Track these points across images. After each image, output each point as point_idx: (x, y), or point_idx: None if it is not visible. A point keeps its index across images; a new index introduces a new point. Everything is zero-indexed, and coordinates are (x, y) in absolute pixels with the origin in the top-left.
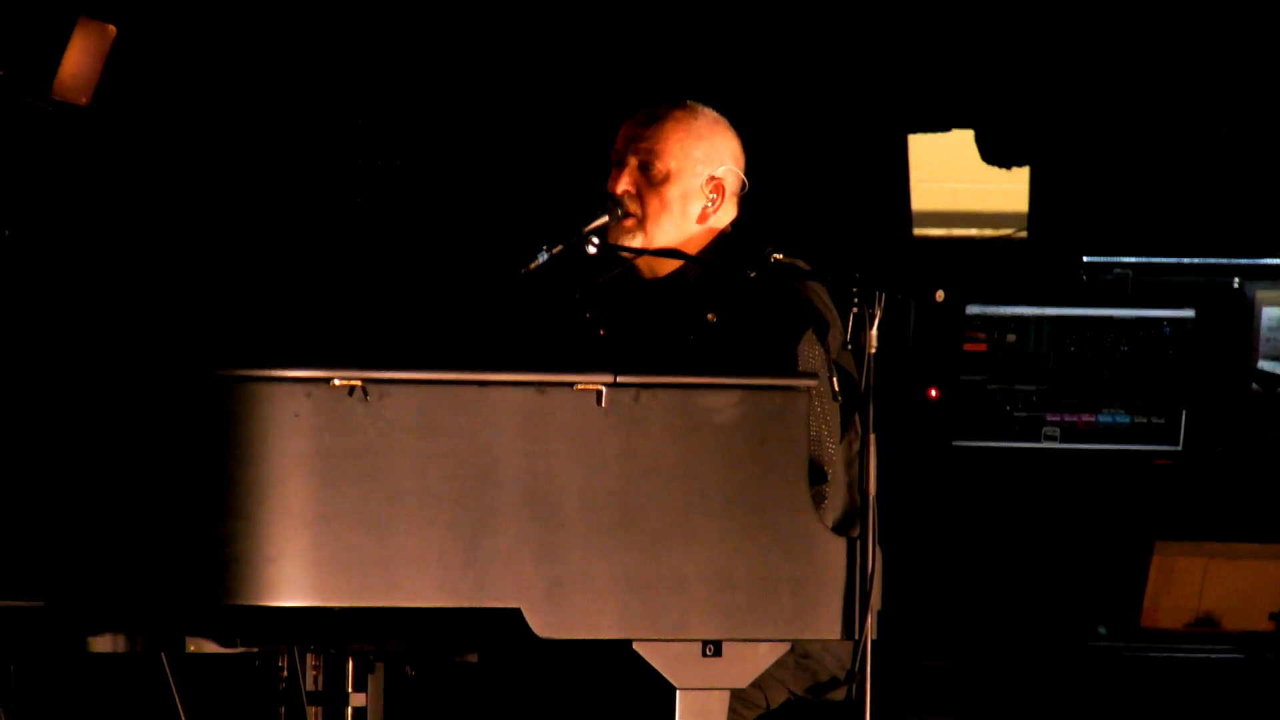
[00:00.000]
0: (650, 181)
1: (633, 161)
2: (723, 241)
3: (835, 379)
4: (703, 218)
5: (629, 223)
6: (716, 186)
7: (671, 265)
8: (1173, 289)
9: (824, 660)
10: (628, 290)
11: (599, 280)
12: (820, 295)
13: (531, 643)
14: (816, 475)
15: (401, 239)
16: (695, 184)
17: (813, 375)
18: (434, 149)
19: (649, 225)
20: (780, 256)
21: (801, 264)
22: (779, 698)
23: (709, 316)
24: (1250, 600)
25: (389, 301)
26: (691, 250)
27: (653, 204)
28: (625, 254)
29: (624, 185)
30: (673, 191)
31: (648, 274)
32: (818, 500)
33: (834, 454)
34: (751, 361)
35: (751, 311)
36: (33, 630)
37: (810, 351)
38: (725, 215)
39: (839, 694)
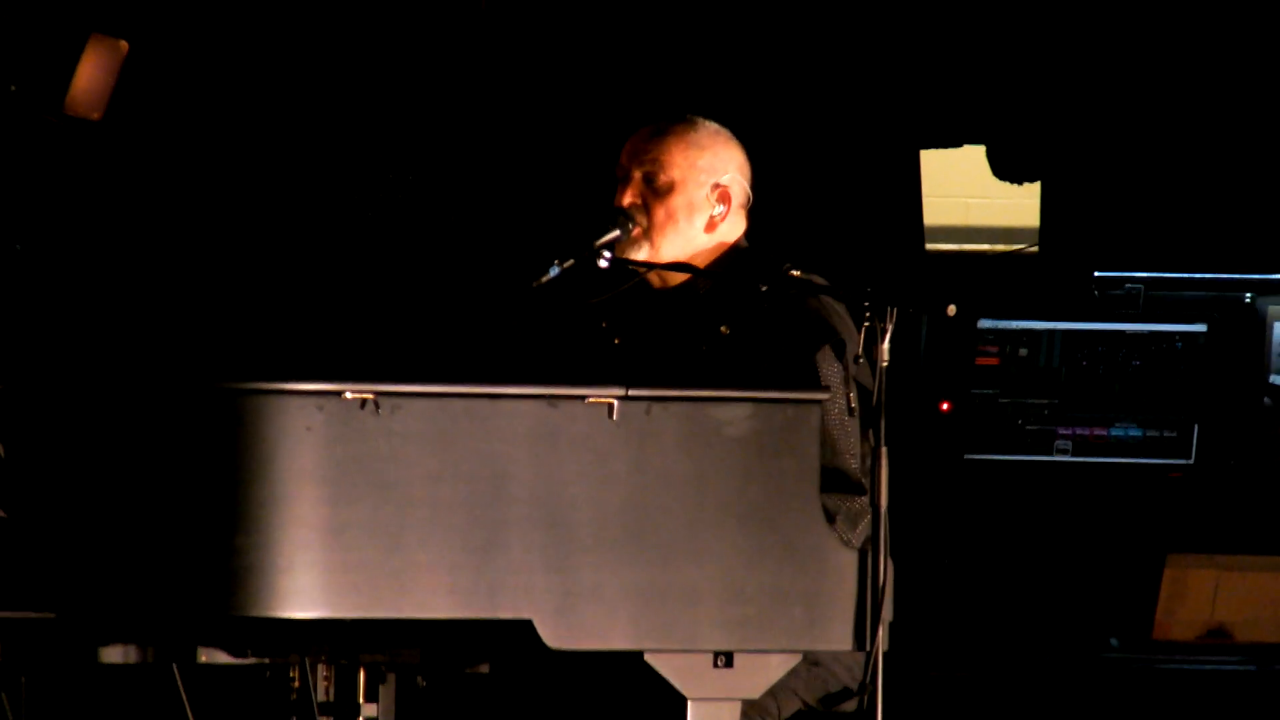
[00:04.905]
0: (655, 192)
1: (637, 175)
2: (736, 255)
3: (853, 395)
4: (710, 227)
5: (635, 233)
6: (722, 195)
7: (682, 276)
8: (1185, 303)
9: (834, 669)
10: (640, 301)
11: (610, 294)
12: (837, 311)
13: (543, 654)
14: (854, 488)
15: (413, 253)
16: (700, 193)
17: (824, 388)
18: (445, 163)
19: (655, 236)
20: (798, 274)
21: (818, 279)
22: (791, 706)
23: (722, 329)
24: (1262, 612)
25: (401, 315)
26: (701, 262)
27: (658, 214)
28: (638, 269)
29: (629, 198)
30: (678, 201)
31: (658, 284)
32: (859, 515)
33: (858, 469)
34: (765, 374)
35: (765, 325)
36: (44, 641)
37: (829, 368)
38: (734, 227)
39: (850, 705)
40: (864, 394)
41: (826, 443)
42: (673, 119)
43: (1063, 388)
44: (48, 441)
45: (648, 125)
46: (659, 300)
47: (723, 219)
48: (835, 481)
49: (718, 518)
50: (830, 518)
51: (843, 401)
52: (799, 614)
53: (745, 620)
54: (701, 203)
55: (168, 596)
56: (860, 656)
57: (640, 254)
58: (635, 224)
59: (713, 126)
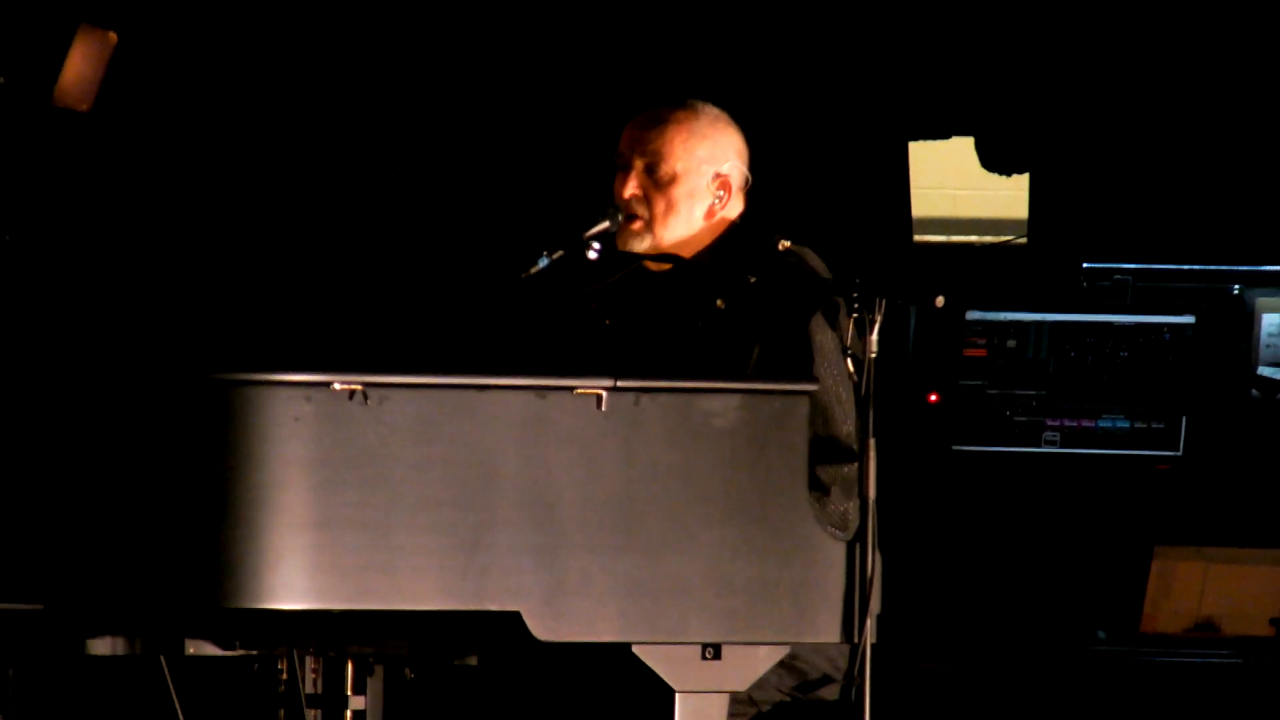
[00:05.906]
0: (657, 184)
1: (638, 165)
2: (731, 232)
3: (850, 361)
4: (710, 214)
5: (637, 225)
6: (723, 184)
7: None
8: (1173, 295)
9: (813, 660)
10: (636, 284)
11: (604, 283)
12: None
13: (531, 646)
14: (848, 455)
15: (402, 244)
16: (701, 183)
17: (813, 379)
18: (435, 153)
19: (657, 227)
20: (788, 244)
21: (810, 252)
22: (770, 698)
23: (717, 303)
24: (1250, 605)
25: (390, 306)
26: (700, 243)
27: (660, 206)
28: (630, 260)
29: (631, 189)
30: (679, 192)
31: (655, 268)
32: (855, 482)
33: (852, 433)
34: (762, 349)
35: (758, 296)
36: (32, 632)
37: (822, 334)
38: (732, 210)
39: (830, 692)
40: (856, 369)
41: (820, 411)
42: (673, 104)
43: (1051, 379)
44: (35, 432)
45: (648, 110)
46: (655, 282)
47: (723, 205)
48: (829, 451)
49: (706, 509)
50: (825, 489)
51: (835, 369)
52: (787, 606)
53: (733, 612)
54: (703, 192)
55: (155, 588)
56: (843, 647)
57: (643, 244)
58: (631, 215)
59: (713, 112)
